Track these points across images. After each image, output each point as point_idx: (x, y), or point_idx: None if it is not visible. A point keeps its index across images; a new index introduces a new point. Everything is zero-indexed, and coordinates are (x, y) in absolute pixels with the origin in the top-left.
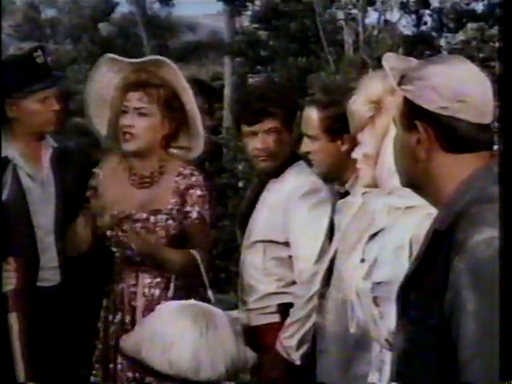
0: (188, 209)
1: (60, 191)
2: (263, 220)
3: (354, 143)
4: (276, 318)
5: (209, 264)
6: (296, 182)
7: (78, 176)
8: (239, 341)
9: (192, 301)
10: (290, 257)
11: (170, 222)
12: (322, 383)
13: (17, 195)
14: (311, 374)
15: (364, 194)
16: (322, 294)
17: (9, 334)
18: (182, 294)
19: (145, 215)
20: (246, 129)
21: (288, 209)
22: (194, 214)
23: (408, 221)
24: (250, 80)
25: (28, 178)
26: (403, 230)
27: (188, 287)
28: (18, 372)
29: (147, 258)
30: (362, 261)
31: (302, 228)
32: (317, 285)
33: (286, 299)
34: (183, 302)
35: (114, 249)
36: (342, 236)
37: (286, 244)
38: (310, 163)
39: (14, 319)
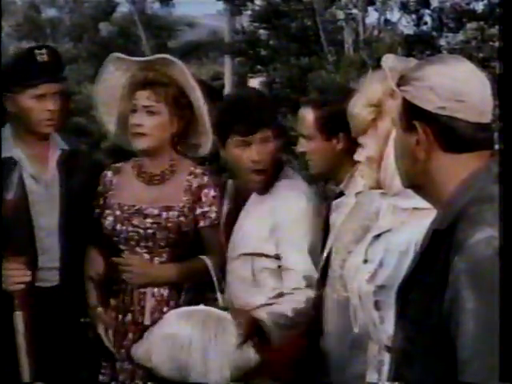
0: (206, 209)
1: (65, 193)
2: (251, 233)
3: (350, 142)
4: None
5: (220, 267)
6: (289, 198)
7: (85, 179)
8: (243, 343)
9: (201, 306)
10: (279, 267)
11: (182, 218)
12: (320, 382)
13: (19, 195)
14: (308, 373)
15: (358, 194)
16: (318, 294)
17: (14, 333)
18: (191, 296)
19: (156, 211)
20: (237, 138)
21: (282, 227)
22: (213, 215)
23: (415, 223)
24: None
25: (31, 179)
26: (409, 233)
27: (197, 290)
28: (22, 371)
29: (150, 281)
30: (365, 262)
31: (299, 246)
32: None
33: (278, 310)
34: (192, 307)
35: (122, 246)
36: (336, 236)
37: (276, 256)
38: (306, 163)
39: (19, 318)
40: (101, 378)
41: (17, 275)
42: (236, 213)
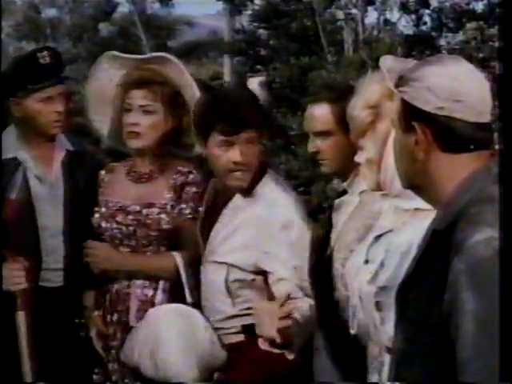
0: (183, 205)
1: (70, 194)
2: (229, 242)
3: None
4: (241, 338)
5: (195, 263)
6: (274, 208)
7: (89, 180)
8: (213, 341)
9: (175, 305)
10: (254, 280)
11: (163, 215)
12: (318, 382)
13: (23, 196)
14: (307, 372)
15: (361, 193)
16: (319, 292)
17: (16, 333)
18: (168, 295)
19: (138, 207)
20: (219, 137)
21: (266, 238)
22: (188, 210)
23: (416, 224)
24: (225, 86)
25: (36, 180)
26: (411, 234)
27: (176, 288)
28: (24, 371)
29: (118, 269)
30: (366, 262)
31: (286, 258)
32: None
33: (251, 321)
34: (168, 306)
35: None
36: (338, 234)
37: (253, 271)
38: (317, 163)
39: (21, 318)
40: (94, 377)
41: (16, 276)
42: (213, 214)
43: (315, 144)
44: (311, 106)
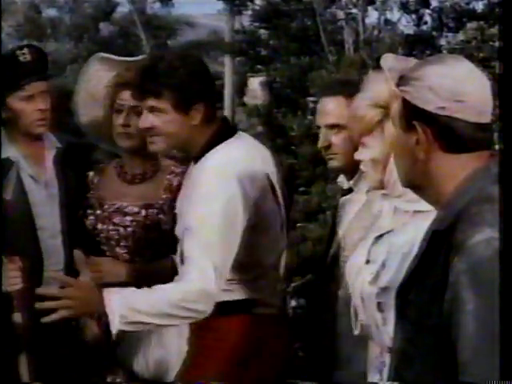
0: None
1: (64, 192)
2: (178, 213)
3: None
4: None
5: None
6: (202, 177)
7: (82, 176)
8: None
9: None
10: None
11: (161, 216)
12: (319, 381)
13: (19, 196)
14: (310, 370)
15: (368, 191)
16: (325, 290)
17: (13, 333)
18: None
19: (136, 209)
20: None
21: (187, 212)
22: None
23: (417, 225)
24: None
25: (30, 180)
26: (412, 234)
27: None
28: (21, 372)
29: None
30: (367, 262)
31: (198, 234)
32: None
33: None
34: None
35: (103, 247)
36: (345, 232)
37: None
38: (328, 159)
39: (18, 319)
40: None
41: (12, 276)
42: None
43: (327, 137)
44: (325, 100)
